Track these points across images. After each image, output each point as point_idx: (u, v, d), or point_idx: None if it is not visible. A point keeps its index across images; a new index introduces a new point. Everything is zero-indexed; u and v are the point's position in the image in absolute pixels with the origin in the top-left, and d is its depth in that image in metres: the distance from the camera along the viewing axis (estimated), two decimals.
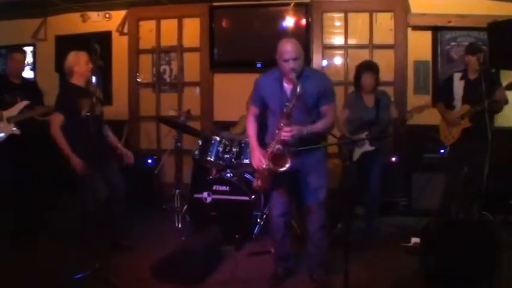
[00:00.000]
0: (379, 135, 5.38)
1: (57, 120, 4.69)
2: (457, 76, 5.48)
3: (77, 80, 4.83)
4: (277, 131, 3.89)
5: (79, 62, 4.81)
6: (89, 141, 4.43)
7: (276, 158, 3.88)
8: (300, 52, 3.97)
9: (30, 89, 5.96)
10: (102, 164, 4.79)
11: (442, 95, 5.69)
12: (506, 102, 5.25)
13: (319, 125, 4.03)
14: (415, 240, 4.92)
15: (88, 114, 4.54)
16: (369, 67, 5.49)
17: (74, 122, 4.60)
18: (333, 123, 4.24)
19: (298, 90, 3.79)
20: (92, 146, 4.47)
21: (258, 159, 4.05)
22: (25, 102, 5.60)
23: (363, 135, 5.35)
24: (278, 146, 3.87)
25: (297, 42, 4.06)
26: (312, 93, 3.98)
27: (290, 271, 4.41)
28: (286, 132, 3.80)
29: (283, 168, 3.85)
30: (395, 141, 6.90)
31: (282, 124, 3.84)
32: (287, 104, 3.86)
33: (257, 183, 4.13)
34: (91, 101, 4.57)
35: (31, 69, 8.22)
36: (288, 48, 3.93)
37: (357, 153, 5.39)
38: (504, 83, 5.24)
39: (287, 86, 4.01)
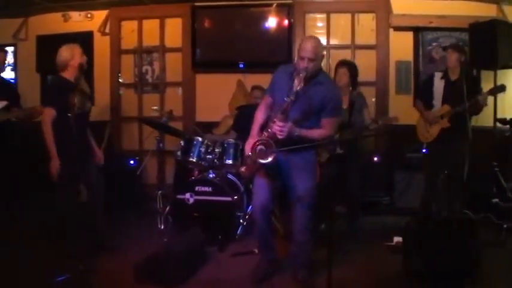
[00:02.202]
0: (350, 138, 5.39)
1: (48, 115, 4.58)
2: (437, 76, 5.52)
3: (69, 74, 4.70)
4: (271, 123, 3.89)
5: (74, 56, 4.71)
6: (76, 138, 4.37)
7: (258, 148, 3.86)
8: (318, 54, 3.96)
9: (7, 89, 5.89)
10: (86, 162, 4.81)
11: (422, 93, 5.74)
12: (485, 105, 5.31)
13: (313, 133, 4.00)
14: (397, 239, 4.95)
15: (77, 110, 4.46)
16: (344, 62, 5.60)
17: (63, 117, 4.46)
18: (329, 137, 4.15)
19: (297, 88, 3.82)
20: (79, 142, 4.47)
21: (250, 144, 4.00)
22: (4, 103, 5.55)
23: (335, 137, 5.32)
24: (266, 138, 3.86)
25: (319, 43, 4.05)
26: (315, 99, 3.97)
27: (274, 263, 4.41)
28: (277, 127, 3.80)
29: (265, 161, 3.83)
30: (376, 141, 6.96)
31: (276, 118, 3.85)
32: (286, 98, 3.86)
33: (243, 168, 4.12)
34: (81, 96, 4.57)
35: (12, 70, 8.14)
36: (308, 46, 3.93)
37: (324, 156, 5.38)
38: (486, 88, 5.30)
39: (296, 83, 3.91)
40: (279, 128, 3.80)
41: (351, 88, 5.52)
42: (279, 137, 3.82)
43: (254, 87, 6.40)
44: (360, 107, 5.49)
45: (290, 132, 3.83)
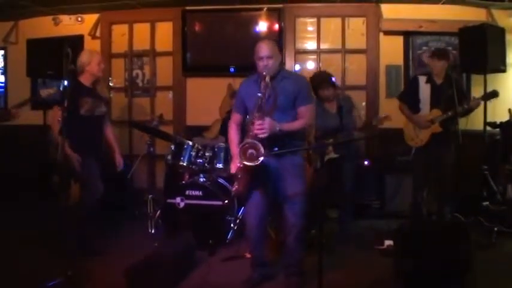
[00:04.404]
0: (346, 140, 5.39)
1: (54, 113, 4.97)
2: (422, 79, 5.51)
3: (85, 79, 4.94)
4: (250, 127, 3.88)
5: (91, 62, 4.92)
6: (86, 140, 4.83)
7: (247, 152, 3.80)
8: (274, 51, 4.02)
9: None
10: (96, 164, 4.98)
11: (407, 97, 5.68)
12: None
13: (294, 125, 4.01)
14: (388, 242, 4.95)
15: (86, 112, 4.85)
16: (322, 80, 5.46)
17: (74, 120, 4.59)
18: (310, 125, 4.21)
19: (266, 79, 3.86)
20: (87, 143, 4.86)
21: (235, 165, 4.00)
22: None
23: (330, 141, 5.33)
24: (252, 141, 3.82)
25: (273, 42, 4.16)
26: (288, 93, 4.00)
27: (266, 277, 4.37)
28: (257, 126, 3.78)
29: (257, 163, 3.76)
30: (367, 145, 6.97)
31: (254, 119, 3.84)
32: (259, 94, 3.86)
33: (235, 187, 4.08)
34: (92, 100, 4.86)
35: (2, 74, 8.12)
36: (263, 46, 4.01)
37: (315, 159, 5.38)
38: (476, 92, 5.34)
39: (263, 84, 3.92)
40: (259, 126, 3.78)
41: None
42: (263, 135, 3.78)
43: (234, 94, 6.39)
44: (348, 109, 5.51)
45: (271, 127, 3.80)
